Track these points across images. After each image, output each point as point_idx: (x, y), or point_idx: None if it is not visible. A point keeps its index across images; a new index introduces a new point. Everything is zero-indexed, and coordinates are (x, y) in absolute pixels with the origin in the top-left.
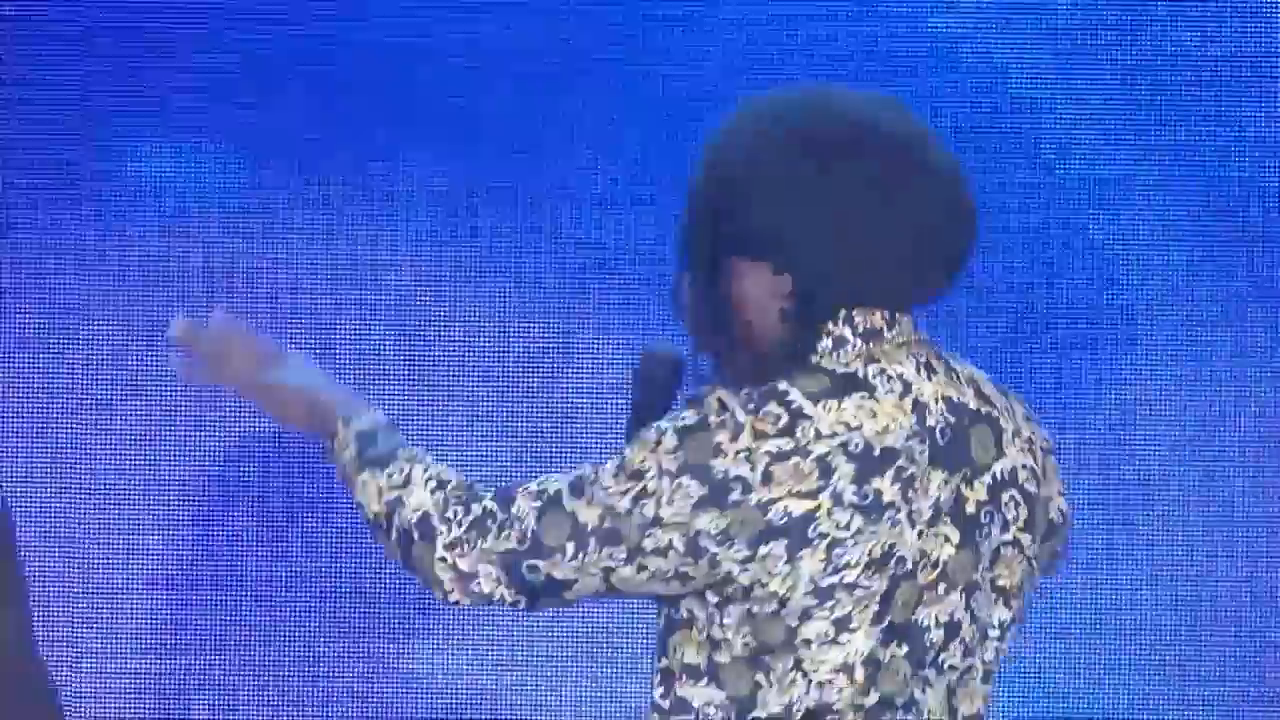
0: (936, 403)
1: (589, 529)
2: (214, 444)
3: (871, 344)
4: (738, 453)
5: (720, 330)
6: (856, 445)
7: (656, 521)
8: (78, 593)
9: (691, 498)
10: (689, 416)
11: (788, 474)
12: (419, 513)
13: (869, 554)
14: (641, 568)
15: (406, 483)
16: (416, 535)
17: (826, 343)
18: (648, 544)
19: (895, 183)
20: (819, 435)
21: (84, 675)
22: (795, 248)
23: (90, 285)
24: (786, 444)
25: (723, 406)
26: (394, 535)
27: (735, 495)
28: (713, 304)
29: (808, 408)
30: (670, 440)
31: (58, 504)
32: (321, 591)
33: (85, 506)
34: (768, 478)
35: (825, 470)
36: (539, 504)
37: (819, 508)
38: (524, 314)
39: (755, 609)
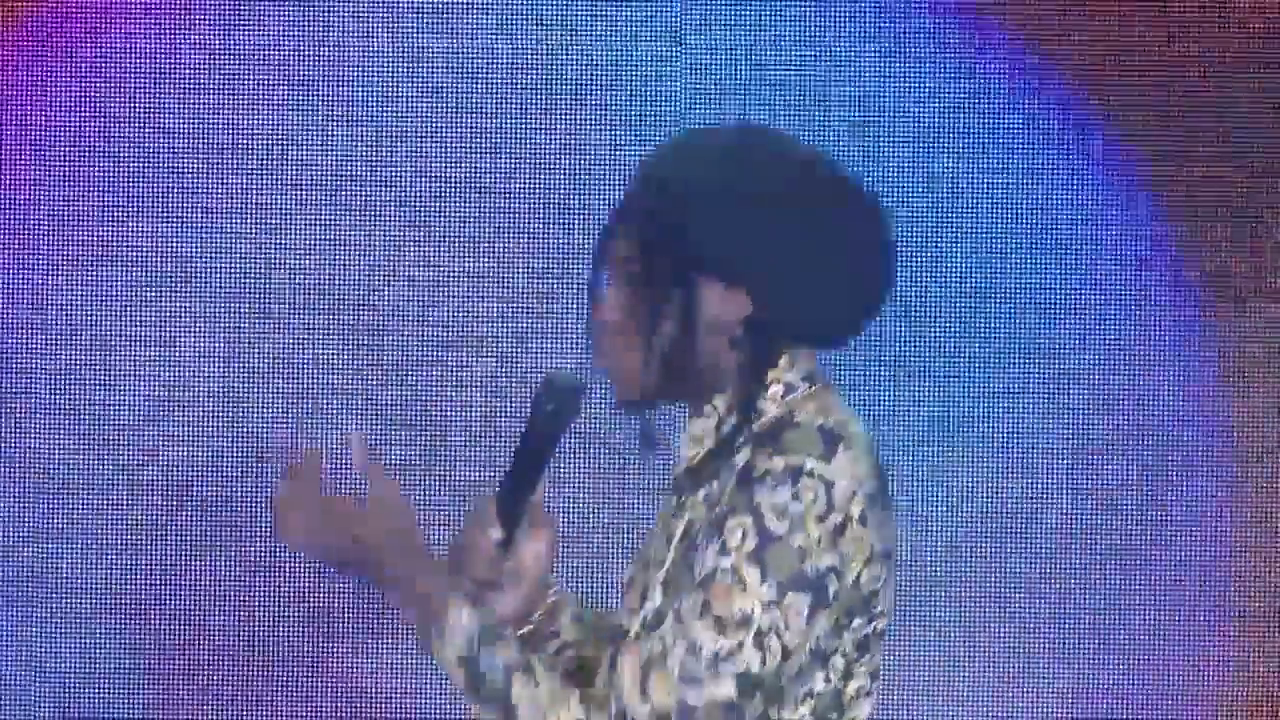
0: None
1: (733, 701)
2: (189, 444)
3: (813, 387)
4: (817, 544)
5: (678, 350)
6: (870, 496)
7: (785, 656)
8: (34, 593)
9: (804, 612)
10: (738, 531)
11: (853, 545)
12: None
13: (887, 598)
14: (784, 696)
15: None
16: None
17: (778, 389)
18: (786, 677)
19: (854, 228)
20: (851, 497)
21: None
22: (764, 273)
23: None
24: (839, 517)
25: (776, 509)
26: None
27: (834, 586)
28: (668, 323)
29: (829, 473)
30: (751, 571)
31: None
32: (311, 593)
33: (47, 508)
34: (844, 556)
35: (865, 528)
36: (671, 716)
37: (867, 566)
38: (515, 318)
39: (821, 686)
